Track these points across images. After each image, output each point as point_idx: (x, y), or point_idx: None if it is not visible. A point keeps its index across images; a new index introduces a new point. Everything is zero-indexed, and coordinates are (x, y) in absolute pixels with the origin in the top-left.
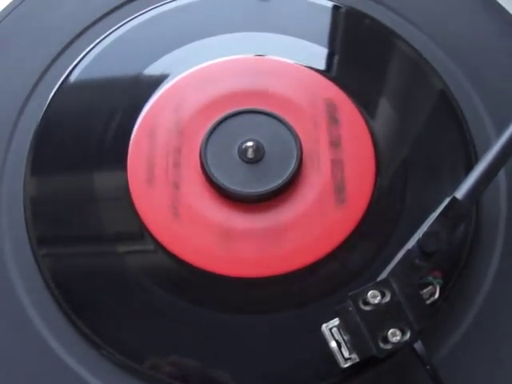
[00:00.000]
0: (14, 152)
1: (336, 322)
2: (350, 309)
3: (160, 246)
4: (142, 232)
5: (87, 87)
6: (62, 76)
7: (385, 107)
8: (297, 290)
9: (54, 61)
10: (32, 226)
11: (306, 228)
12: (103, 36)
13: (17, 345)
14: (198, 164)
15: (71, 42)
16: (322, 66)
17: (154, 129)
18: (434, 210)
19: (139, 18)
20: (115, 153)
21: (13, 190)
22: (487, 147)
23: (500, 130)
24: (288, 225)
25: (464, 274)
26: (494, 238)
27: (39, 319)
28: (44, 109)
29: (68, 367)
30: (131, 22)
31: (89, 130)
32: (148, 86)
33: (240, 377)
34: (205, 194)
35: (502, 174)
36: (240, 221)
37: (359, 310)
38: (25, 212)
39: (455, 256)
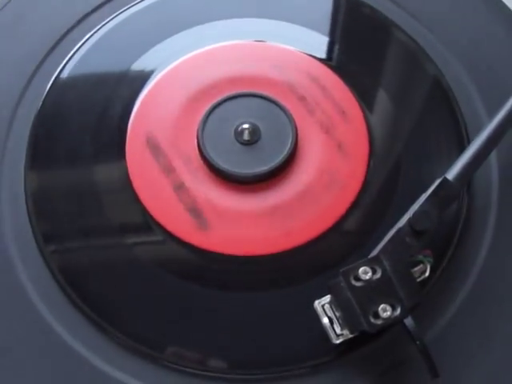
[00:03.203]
0: (11, 147)
1: (328, 298)
2: (342, 284)
3: (164, 231)
4: (145, 218)
5: (84, 79)
6: (57, 68)
7: (379, 93)
8: (293, 268)
9: (49, 52)
10: (36, 220)
11: (300, 208)
12: (97, 28)
13: (27, 338)
14: (196, 147)
15: (67, 33)
16: (319, 52)
17: (151, 115)
18: (426, 190)
19: (137, 5)
20: (114, 143)
21: (13, 185)
22: (479, 130)
23: (491, 114)
24: (284, 205)
25: (456, 254)
26: (485, 219)
27: (44, 305)
28: (40, 102)
29: (76, 353)
30: (130, 9)
31: (87, 121)
32: (145, 72)
33: (237, 354)
34: (202, 176)
35: (493, 156)
36: (236, 201)
37: (350, 286)
38: (27, 206)
39: (447, 236)
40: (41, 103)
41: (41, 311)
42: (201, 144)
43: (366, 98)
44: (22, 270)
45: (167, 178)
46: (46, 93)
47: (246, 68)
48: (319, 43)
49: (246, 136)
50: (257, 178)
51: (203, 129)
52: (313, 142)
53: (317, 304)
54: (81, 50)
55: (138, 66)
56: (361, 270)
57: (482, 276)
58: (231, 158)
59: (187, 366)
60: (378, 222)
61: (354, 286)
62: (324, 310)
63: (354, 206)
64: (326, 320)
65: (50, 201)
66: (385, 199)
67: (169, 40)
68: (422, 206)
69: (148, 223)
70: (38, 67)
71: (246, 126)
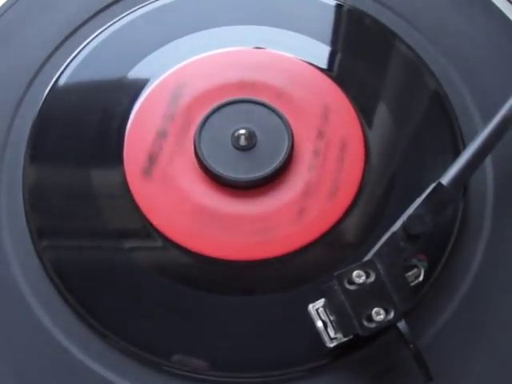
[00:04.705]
0: (12, 144)
1: (322, 302)
2: (336, 288)
3: (158, 234)
4: (142, 222)
5: (85, 80)
6: (59, 69)
7: (376, 100)
8: (289, 272)
9: (51, 54)
10: (31, 217)
11: (296, 214)
12: (99, 31)
13: (21, 338)
14: (193, 152)
15: (69, 36)
16: (317, 60)
17: (148, 121)
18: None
19: (133, 14)
20: (112, 144)
21: (12, 182)
22: (474, 137)
23: (486, 121)
24: (280, 210)
25: (451, 258)
26: (480, 224)
27: (39, 305)
28: (41, 102)
29: (70, 354)
30: (134, 13)
31: (86, 122)
32: (143, 78)
33: (233, 358)
34: (199, 181)
35: (489, 162)
36: (233, 206)
37: (344, 290)
38: (24, 203)
39: (442, 242)
40: (40, 106)
41: (39, 316)
42: (198, 149)
43: (362, 106)
44: (18, 271)
45: (164, 182)
46: (44, 96)
47: (244, 74)
48: (319, 51)
49: (242, 141)
50: (253, 183)
51: (200, 134)
52: (309, 148)
53: (311, 308)
54: (81, 53)
55: (136, 72)
56: (355, 273)
57: (477, 281)
58: (228, 164)
59: (183, 370)
60: (373, 226)
61: (348, 290)
62: (318, 313)
63: (350, 211)
64: (319, 324)
65: (46, 201)
66: (380, 204)
67: (167, 47)
68: (416, 210)
69: (146, 228)
70: (39, 69)
71: (242, 131)
